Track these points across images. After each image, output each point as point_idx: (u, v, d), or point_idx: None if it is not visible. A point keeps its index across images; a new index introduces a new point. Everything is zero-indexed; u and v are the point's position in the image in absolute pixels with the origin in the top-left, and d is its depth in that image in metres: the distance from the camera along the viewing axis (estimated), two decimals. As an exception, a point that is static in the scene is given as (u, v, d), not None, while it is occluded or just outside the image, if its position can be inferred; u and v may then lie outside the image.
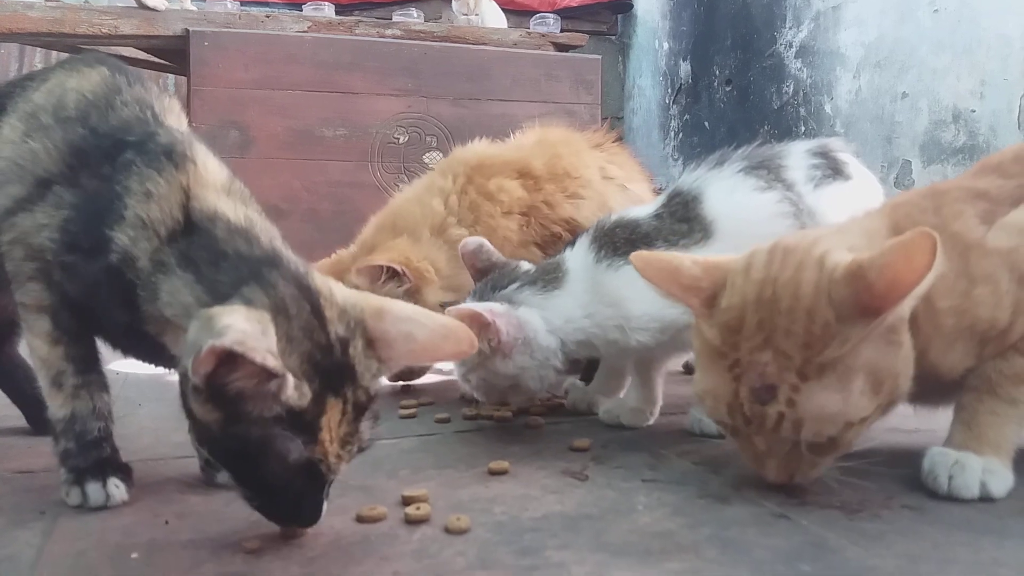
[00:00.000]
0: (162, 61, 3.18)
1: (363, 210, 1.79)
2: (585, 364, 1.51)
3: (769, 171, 1.27)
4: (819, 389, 0.89)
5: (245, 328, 0.70)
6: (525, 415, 1.35)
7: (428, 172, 1.76)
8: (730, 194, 1.24)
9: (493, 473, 1.06)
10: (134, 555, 0.81)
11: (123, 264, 0.86)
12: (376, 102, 3.00)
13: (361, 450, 0.83)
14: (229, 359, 0.70)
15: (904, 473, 1.03)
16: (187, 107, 2.83)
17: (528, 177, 1.66)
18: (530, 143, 1.77)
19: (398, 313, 0.85)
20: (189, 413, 0.78)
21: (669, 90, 4.33)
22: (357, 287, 1.46)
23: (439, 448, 1.19)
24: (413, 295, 1.50)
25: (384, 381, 0.88)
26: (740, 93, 3.80)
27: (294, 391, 0.74)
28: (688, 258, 1.02)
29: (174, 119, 1.01)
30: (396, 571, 0.78)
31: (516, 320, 1.19)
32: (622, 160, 1.79)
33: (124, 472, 0.96)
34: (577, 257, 1.26)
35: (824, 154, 1.33)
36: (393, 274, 1.51)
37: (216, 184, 0.91)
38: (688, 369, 1.79)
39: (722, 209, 1.23)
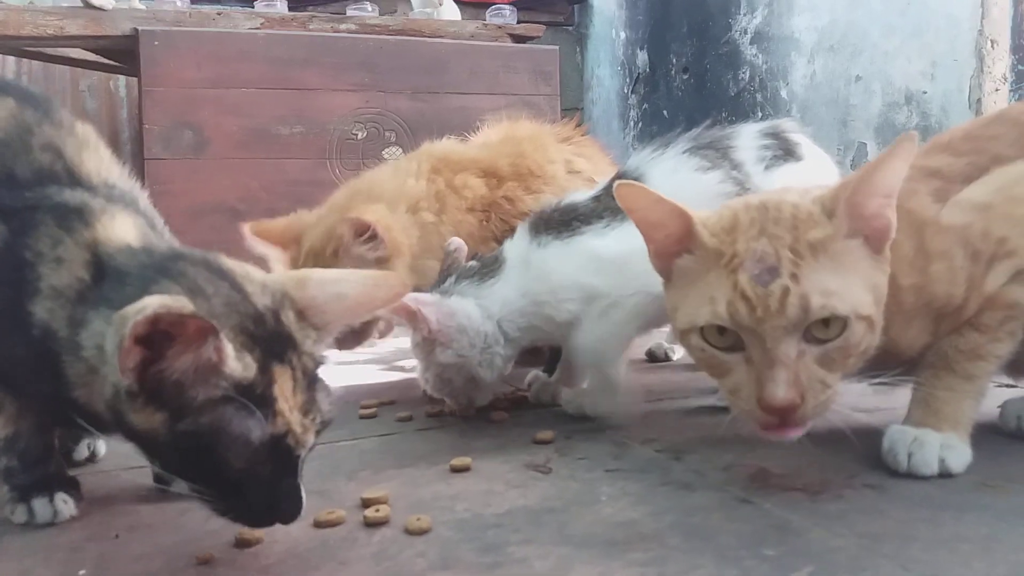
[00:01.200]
0: (111, 62, 3.11)
1: (323, 208, 1.76)
2: (548, 356, 1.50)
3: (716, 151, 1.28)
4: (817, 268, 0.88)
5: (163, 298, 0.67)
6: (489, 410, 1.33)
7: (396, 159, 1.74)
8: (672, 174, 1.25)
9: (455, 470, 1.05)
10: (82, 572, 0.78)
11: (46, 337, 0.80)
12: (332, 98, 2.96)
13: (325, 425, 0.79)
14: (157, 339, 0.67)
15: (865, 452, 1.03)
16: (139, 108, 2.79)
17: (492, 176, 1.65)
18: (496, 140, 1.76)
19: (321, 277, 0.83)
20: (131, 432, 0.74)
21: (627, 80, 4.33)
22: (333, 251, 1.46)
23: (400, 447, 1.18)
24: (382, 264, 1.48)
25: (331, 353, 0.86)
26: (697, 81, 3.81)
27: (236, 361, 0.71)
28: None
29: (90, 156, 0.94)
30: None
31: (447, 308, 1.22)
32: (590, 153, 1.79)
33: (72, 487, 0.93)
34: (515, 245, 1.29)
35: (776, 135, 1.32)
36: (372, 237, 1.48)
37: (121, 222, 0.87)
38: (651, 357, 1.79)
39: (661, 189, 1.23)
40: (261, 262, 1.56)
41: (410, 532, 0.85)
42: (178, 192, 2.68)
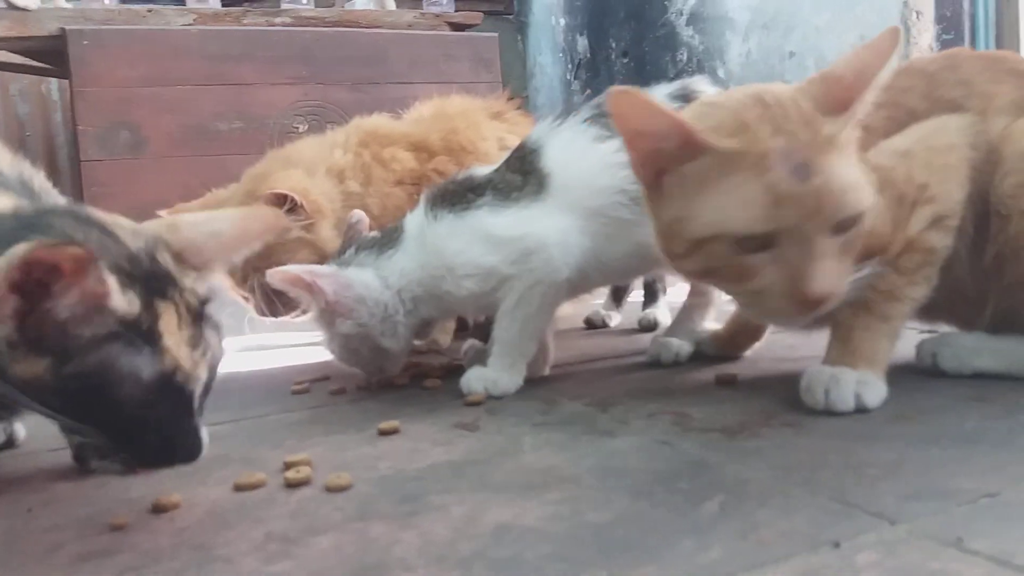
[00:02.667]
0: (41, 64, 3.05)
1: (266, 203, 1.75)
2: (484, 324, 1.50)
3: None
4: (838, 162, 0.89)
5: (31, 243, 0.66)
6: (423, 378, 1.34)
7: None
8: (568, 145, 1.25)
9: (383, 433, 1.05)
10: (-11, 545, 0.77)
11: None
12: (271, 92, 2.94)
13: (216, 360, 0.79)
14: (31, 288, 0.67)
15: (786, 396, 1.06)
16: (72, 110, 2.74)
17: (423, 150, 1.66)
18: (428, 116, 1.76)
19: (193, 220, 0.84)
20: (16, 384, 0.72)
21: (569, 65, 4.34)
22: None
23: (330, 416, 1.17)
24: (308, 229, 1.48)
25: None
26: (637, 64, 3.84)
27: (120, 295, 0.71)
28: None
29: None
30: (269, 532, 0.75)
31: (343, 279, 1.23)
32: (524, 128, 1.79)
33: (-15, 466, 0.91)
34: (415, 217, 1.29)
35: (686, 96, 1.30)
36: (292, 208, 1.47)
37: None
38: (590, 324, 1.80)
39: (558, 160, 1.23)
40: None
41: (330, 490, 0.85)
42: (118, 193, 2.64)
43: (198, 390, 0.77)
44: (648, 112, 0.92)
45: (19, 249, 0.65)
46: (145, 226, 0.82)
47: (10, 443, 1.08)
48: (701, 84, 1.34)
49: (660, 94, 1.31)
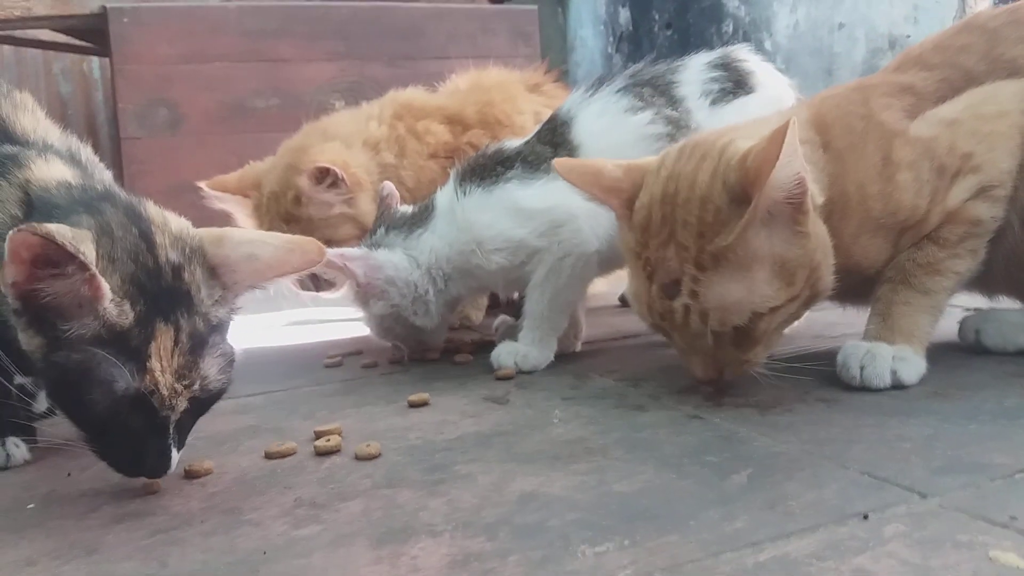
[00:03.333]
0: (82, 43, 3.09)
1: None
2: (517, 301, 1.50)
3: (653, 89, 1.24)
4: (718, 279, 0.89)
5: (55, 226, 0.68)
6: (454, 354, 1.34)
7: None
8: (599, 116, 1.23)
9: (413, 405, 1.05)
10: (30, 505, 0.79)
11: None
12: (308, 68, 2.95)
13: (209, 392, 0.79)
14: (39, 261, 0.69)
15: (822, 372, 1.04)
16: (112, 88, 2.77)
17: (457, 123, 1.65)
18: (465, 88, 1.75)
19: (238, 237, 0.83)
20: (27, 350, 0.75)
21: (611, 39, 4.29)
22: (295, 196, 1.46)
23: (361, 389, 1.18)
24: (349, 204, 1.49)
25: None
26: (681, 36, 3.77)
27: (113, 305, 0.72)
28: (610, 162, 1.03)
29: (27, 117, 0.97)
30: (298, 497, 0.77)
31: (374, 262, 1.24)
32: (561, 102, 1.77)
33: (26, 432, 0.94)
34: (445, 193, 1.28)
35: (726, 65, 1.28)
36: (334, 182, 1.48)
37: (57, 166, 0.88)
38: (624, 302, 1.79)
39: (588, 132, 1.22)
40: (227, 219, 1.57)
41: (359, 458, 0.86)
42: (156, 171, 2.67)
43: (173, 417, 0.76)
44: (589, 179, 1.02)
45: (26, 226, 0.67)
46: (191, 235, 0.82)
47: (51, 411, 1.11)
48: (742, 52, 1.31)
49: (697, 64, 1.28)
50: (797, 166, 0.86)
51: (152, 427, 0.75)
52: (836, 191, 0.99)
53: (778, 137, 0.84)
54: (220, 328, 0.80)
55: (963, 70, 1.05)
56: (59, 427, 1.06)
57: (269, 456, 0.88)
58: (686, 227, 0.91)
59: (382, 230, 1.29)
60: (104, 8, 2.67)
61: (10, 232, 0.68)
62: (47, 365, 0.73)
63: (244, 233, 0.86)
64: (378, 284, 1.24)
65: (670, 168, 0.96)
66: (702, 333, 0.92)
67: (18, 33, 2.98)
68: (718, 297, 0.89)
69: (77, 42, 3.12)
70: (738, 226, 0.87)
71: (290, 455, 0.89)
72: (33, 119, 0.98)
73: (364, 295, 1.25)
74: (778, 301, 0.91)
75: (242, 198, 1.56)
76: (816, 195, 0.94)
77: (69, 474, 0.88)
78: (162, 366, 0.74)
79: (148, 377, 0.73)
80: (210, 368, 0.78)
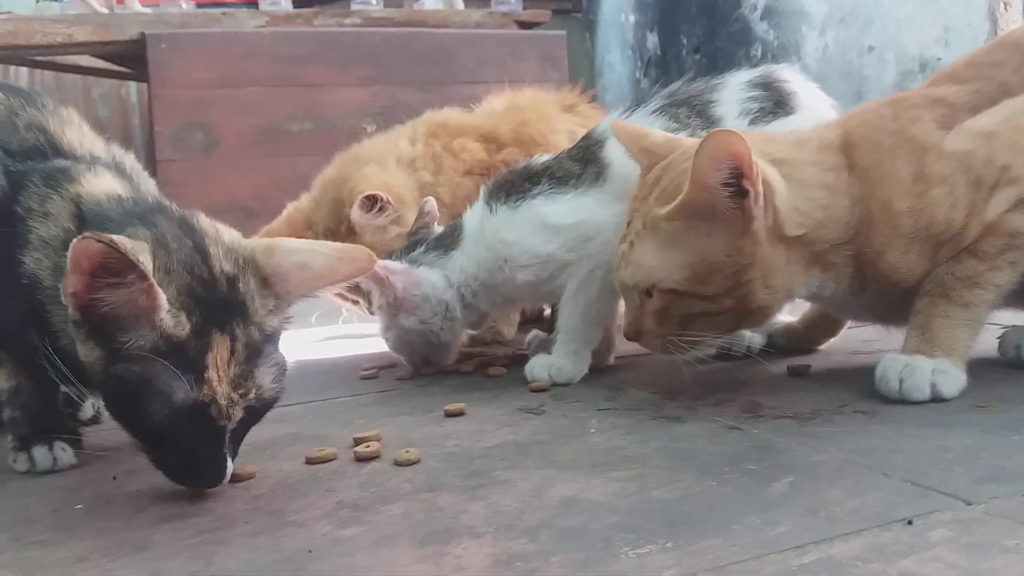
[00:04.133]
0: (121, 68, 3.17)
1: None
2: (549, 314, 1.51)
3: (690, 108, 1.24)
4: (646, 240, 1.00)
5: (117, 236, 0.70)
6: (487, 367, 1.35)
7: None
8: None
9: (449, 415, 1.06)
10: (78, 506, 0.81)
11: (33, 287, 0.84)
12: (340, 93, 2.99)
13: (264, 401, 0.80)
14: (99, 270, 0.70)
15: (861, 385, 1.03)
16: (149, 112, 2.84)
17: (492, 141, 1.67)
18: (500, 109, 1.78)
19: (289, 247, 0.85)
20: (85, 365, 0.76)
21: (639, 63, 4.31)
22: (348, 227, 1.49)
23: (397, 400, 1.19)
24: (397, 222, 1.52)
25: None
26: (709, 60, 3.78)
27: (169, 316, 0.73)
28: (660, 132, 1.12)
29: (74, 132, 0.99)
30: (340, 500, 0.77)
31: (414, 278, 1.26)
32: (596, 123, 1.79)
33: (73, 437, 0.95)
34: (474, 212, 1.30)
35: (767, 85, 1.26)
36: (382, 207, 1.50)
37: (106, 178, 0.91)
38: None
39: (621, 152, 1.22)
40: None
41: (399, 464, 0.87)
42: (191, 193, 2.71)
43: (230, 427, 0.77)
44: (634, 137, 1.11)
45: (90, 235, 0.69)
46: (243, 245, 0.84)
47: (96, 419, 1.13)
48: (785, 72, 1.29)
49: (737, 82, 1.27)
50: (722, 175, 0.92)
51: (209, 437, 0.76)
52: (863, 211, 1.00)
53: (711, 140, 0.91)
54: (273, 338, 0.81)
55: (996, 82, 1.05)
56: (103, 434, 1.08)
57: (310, 461, 0.89)
58: (663, 191, 1.00)
59: (421, 248, 1.31)
60: (143, 34, 2.74)
61: (73, 241, 0.70)
62: (106, 377, 0.75)
63: (295, 242, 0.87)
64: (414, 300, 1.25)
65: (691, 146, 1.01)
66: (626, 283, 1.02)
67: (59, 58, 3.07)
68: (638, 255, 1.00)
69: (116, 67, 3.20)
70: (672, 206, 0.95)
71: (331, 460, 0.90)
72: (79, 133, 1.01)
73: (396, 308, 1.27)
74: (680, 287, 0.97)
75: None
76: (792, 224, 0.97)
77: (115, 478, 0.89)
78: (219, 376, 0.75)
79: (206, 387, 0.74)
80: (265, 377, 0.79)
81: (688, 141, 1.08)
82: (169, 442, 0.76)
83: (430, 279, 1.27)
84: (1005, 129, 1.00)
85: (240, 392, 0.77)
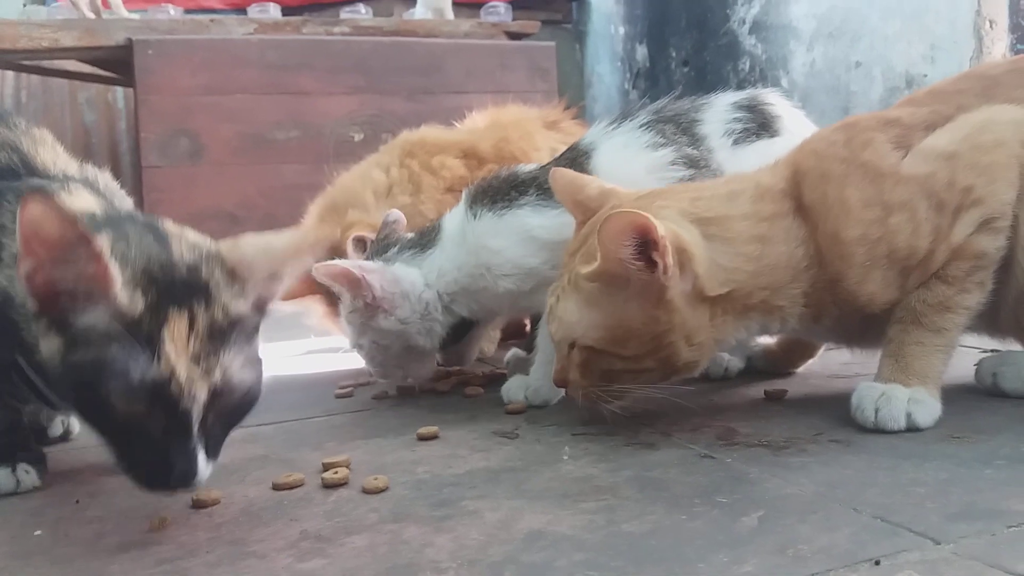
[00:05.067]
0: (108, 73, 3.15)
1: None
2: (528, 332, 1.50)
3: (675, 126, 1.24)
4: (570, 297, 1.01)
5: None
6: (464, 386, 1.34)
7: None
8: (620, 150, 1.23)
9: (422, 438, 1.05)
10: (37, 532, 0.79)
11: (4, 305, 0.83)
12: (328, 101, 2.98)
13: (233, 389, 0.77)
14: (50, 247, 0.71)
15: (837, 413, 1.03)
16: (135, 117, 2.82)
17: (472, 157, 1.66)
18: (482, 126, 1.77)
19: (252, 239, 0.85)
20: (49, 372, 0.75)
21: (628, 75, 4.33)
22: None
23: (371, 421, 1.18)
24: None
25: None
26: (697, 73, 3.80)
27: (124, 293, 0.72)
28: (596, 181, 1.10)
29: (47, 151, 0.99)
30: (304, 530, 0.76)
31: (391, 275, 1.23)
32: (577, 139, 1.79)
33: (36, 459, 0.94)
34: (455, 215, 1.28)
35: (752, 107, 1.27)
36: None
37: (84, 200, 0.90)
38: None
39: (607, 165, 1.22)
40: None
41: (367, 491, 0.85)
42: (176, 200, 2.70)
43: (195, 409, 0.74)
44: (568, 190, 1.12)
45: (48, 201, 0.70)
46: (208, 243, 0.83)
47: (65, 436, 1.12)
48: (771, 96, 1.30)
49: (722, 103, 1.28)
50: (628, 250, 0.93)
51: (175, 423, 0.73)
52: (811, 247, 1.00)
53: (614, 220, 0.92)
54: (243, 326, 0.79)
55: (956, 104, 1.04)
56: (72, 453, 1.07)
57: (277, 487, 0.88)
58: (587, 250, 1.01)
59: (394, 249, 1.29)
60: (130, 40, 2.72)
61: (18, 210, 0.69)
62: (65, 369, 0.73)
63: (260, 235, 0.87)
64: (393, 298, 1.22)
65: (619, 197, 1.04)
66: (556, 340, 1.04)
67: (46, 63, 3.04)
68: (561, 310, 1.02)
69: (102, 72, 3.18)
70: (589, 270, 0.96)
71: (298, 487, 0.89)
72: (53, 153, 1.00)
73: (372, 311, 1.23)
74: (597, 346, 0.98)
75: (317, 295, 1.50)
76: (714, 284, 0.97)
77: (77, 501, 0.88)
78: (176, 349, 0.73)
79: (163, 362, 0.72)
80: (232, 361, 0.77)
81: (619, 193, 1.08)
82: (135, 435, 0.73)
83: (408, 275, 1.24)
84: (966, 149, 0.99)
85: (203, 369, 0.74)
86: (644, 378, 1.00)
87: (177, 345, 0.73)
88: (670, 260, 0.92)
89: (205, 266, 0.79)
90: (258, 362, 0.81)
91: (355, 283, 1.21)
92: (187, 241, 0.81)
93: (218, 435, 0.78)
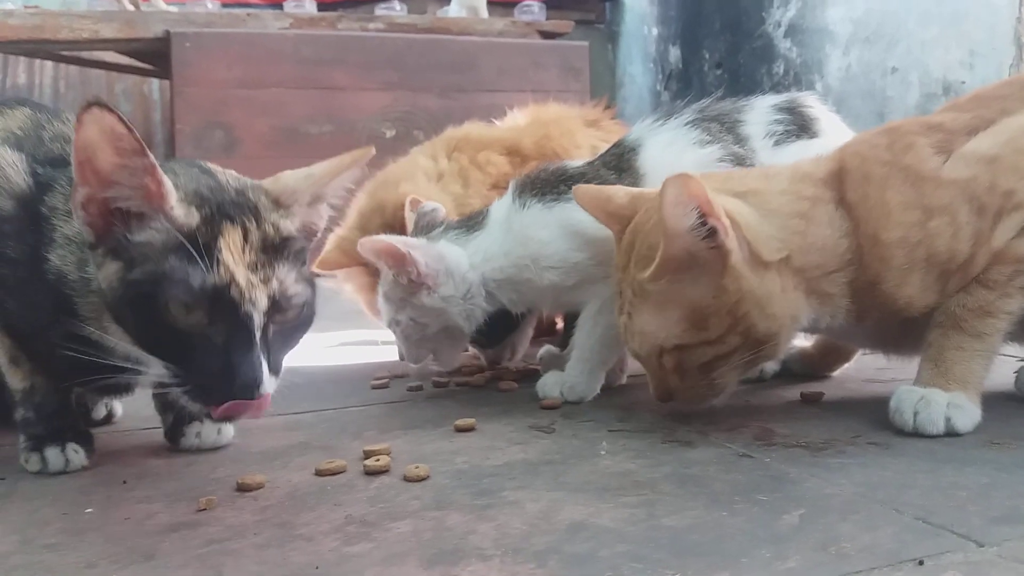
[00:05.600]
0: (145, 65, 3.19)
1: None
2: (562, 328, 1.50)
3: (720, 125, 1.25)
4: (640, 308, 1.00)
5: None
6: (498, 381, 1.35)
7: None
8: (667, 146, 1.23)
9: (459, 430, 1.06)
10: (88, 510, 0.81)
11: (59, 282, 0.86)
12: (361, 97, 3.01)
13: (289, 301, 0.80)
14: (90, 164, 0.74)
15: (874, 415, 1.03)
16: (171, 109, 2.86)
17: (516, 154, 1.67)
18: (523, 123, 1.78)
19: (291, 171, 0.89)
20: (109, 307, 0.79)
21: (660, 76, 4.32)
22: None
23: (408, 412, 1.19)
24: None
25: None
26: (731, 76, 3.79)
27: (180, 206, 0.76)
28: (622, 189, 1.09)
29: None
30: (349, 515, 0.77)
31: (435, 252, 1.23)
32: (619, 136, 1.79)
33: (85, 439, 0.96)
34: (502, 203, 1.28)
35: (791, 110, 1.28)
36: None
37: None
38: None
39: (655, 161, 1.22)
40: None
41: (408, 479, 0.87)
42: (210, 191, 2.73)
43: (256, 316, 0.77)
44: (598, 203, 1.11)
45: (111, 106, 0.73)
46: (251, 180, 0.88)
47: (108, 418, 1.14)
48: (809, 99, 1.30)
49: (763, 105, 1.28)
50: (691, 219, 0.92)
51: (237, 331, 0.76)
52: (852, 243, 1.00)
53: (669, 189, 0.91)
54: (293, 245, 0.83)
55: (998, 109, 1.03)
56: (116, 435, 1.09)
57: (320, 473, 0.89)
58: (639, 256, 1.00)
59: (440, 228, 1.29)
60: (168, 33, 2.76)
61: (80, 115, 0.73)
62: (125, 289, 0.76)
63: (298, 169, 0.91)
64: (437, 275, 1.22)
65: (652, 199, 1.02)
66: (642, 356, 1.02)
67: (85, 54, 3.09)
68: (638, 324, 1.01)
69: (139, 64, 3.23)
70: (652, 267, 0.95)
71: (340, 473, 0.90)
72: None
73: (415, 287, 1.23)
74: (683, 341, 0.98)
75: (357, 267, 1.52)
76: (769, 249, 0.97)
77: (125, 481, 0.89)
78: (234, 258, 0.76)
79: (222, 269, 0.75)
80: (287, 275, 0.80)
81: (648, 195, 1.07)
82: (198, 347, 0.75)
83: (452, 253, 1.24)
84: (1008, 152, 0.99)
85: (260, 277, 0.77)
86: (735, 359, 0.99)
87: (234, 254, 0.76)
88: (725, 220, 0.93)
89: (251, 191, 0.83)
90: (311, 282, 0.84)
91: (400, 259, 1.21)
92: (231, 175, 0.86)
93: (278, 350, 0.81)
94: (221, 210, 0.79)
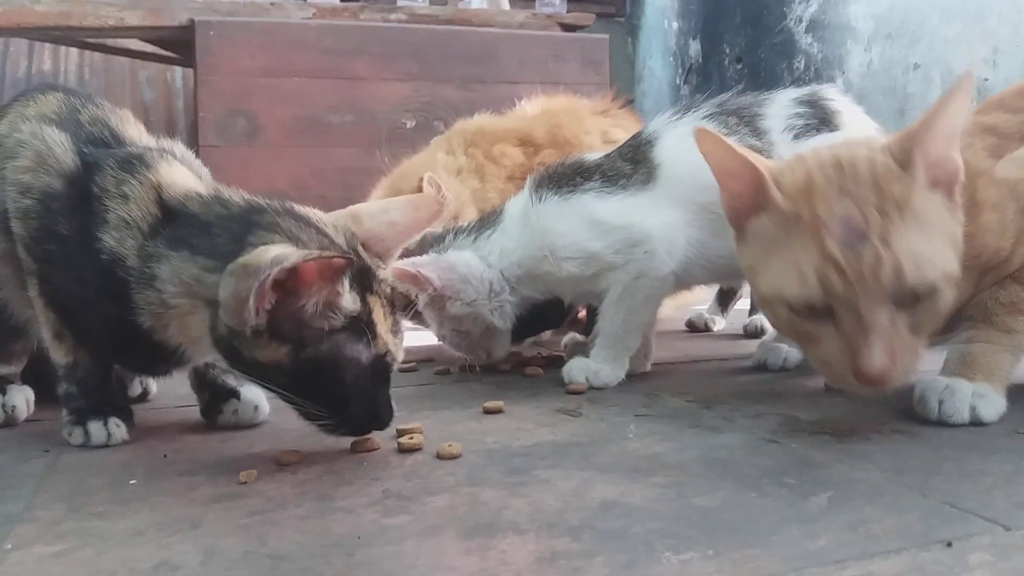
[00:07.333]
0: (168, 53, 3.21)
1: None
2: (585, 316, 1.52)
3: (739, 119, 1.26)
4: (905, 229, 0.84)
5: (301, 253, 0.77)
6: (523, 367, 1.36)
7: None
8: (684, 139, 1.24)
9: (488, 411, 1.08)
10: (132, 481, 0.83)
11: (114, 263, 0.88)
12: (382, 87, 3.02)
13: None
14: (287, 283, 0.77)
15: (899, 404, 1.04)
16: (194, 97, 2.88)
17: (529, 145, 1.69)
18: (533, 113, 1.80)
19: (370, 210, 0.93)
20: (247, 365, 0.84)
21: (680, 70, 4.32)
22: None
23: (436, 394, 1.21)
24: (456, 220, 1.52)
25: None
26: (751, 70, 3.79)
27: (349, 296, 0.82)
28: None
29: (131, 128, 1.04)
30: (386, 489, 0.79)
31: (444, 263, 1.26)
32: (628, 124, 1.81)
33: (125, 414, 0.98)
34: (519, 199, 1.31)
35: (812, 103, 1.28)
36: (443, 194, 1.50)
37: (182, 173, 0.95)
38: (692, 327, 1.80)
39: (671, 154, 1.23)
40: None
41: (441, 457, 0.89)
42: (231, 179, 2.68)
43: (395, 368, 0.89)
44: (725, 151, 0.94)
45: (291, 255, 0.76)
46: (337, 220, 0.90)
47: (144, 396, 1.17)
48: (831, 92, 1.31)
49: (783, 99, 1.29)
50: (960, 120, 0.89)
51: (384, 384, 0.88)
52: None
53: (953, 92, 0.87)
54: (394, 289, 0.92)
55: None
56: (151, 412, 1.11)
57: (355, 449, 0.91)
58: (857, 181, 0.86)
59: (449, 237, 1.32)
60: (192, 21, 2.78)
61: (289, 262, 0.76)
62: (295, 364, 0.82)
63: (370, 206, 0.97)
64: (453, 285, 1.25)
65: (811, 157, 0.93)
66: (893, 290, 0.83)
67: (109, 41, 3.12)
68: (911, 245, 0.83)
69: (163, 52, 3.25)
70: (909, 177, 0.86)
71: (375, 449, 0.92)
72: (136, 129, 1.06)
73: (440, 300, 1.26)
74: (956, 268, 0.87)
75: None
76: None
77: (165, 456, 0.92)
78: (384, 329, 0.86)
79: (380, 342, 0.85)
80: (400, 321, 0.90)
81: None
82: (356, 399, 0.85)
83: (461, 259, 1.27)
84: None
85: (399, 337, 0.89)
86: (942, 317, 0.91)
87: (383, 325, 0.85)
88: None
89: (358, 248, 0.88)
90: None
91: (413, 279, 1.24)
92: (330, 223, 0.89)
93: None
94: (363, 283, 0.85)
